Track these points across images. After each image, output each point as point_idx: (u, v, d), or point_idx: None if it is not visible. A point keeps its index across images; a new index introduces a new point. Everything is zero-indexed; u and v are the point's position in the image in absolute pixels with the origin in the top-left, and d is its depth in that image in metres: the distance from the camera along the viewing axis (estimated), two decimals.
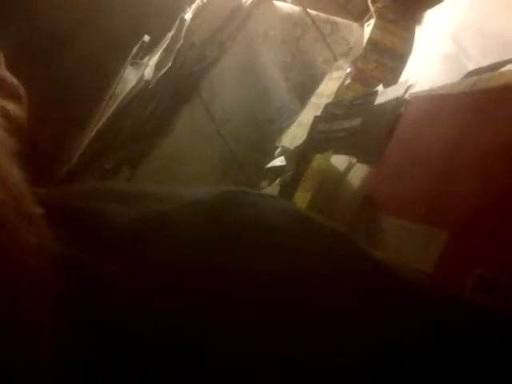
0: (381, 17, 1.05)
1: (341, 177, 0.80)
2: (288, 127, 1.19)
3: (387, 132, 0.75)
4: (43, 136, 1.67)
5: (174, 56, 1.26)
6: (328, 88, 1.11)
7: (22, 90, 0.41)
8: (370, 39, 1.05)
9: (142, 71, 1.37)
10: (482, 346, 0.34)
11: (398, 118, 0.75)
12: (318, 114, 1.02)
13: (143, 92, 1.31)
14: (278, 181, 1.07)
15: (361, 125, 0.84)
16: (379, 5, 1.07)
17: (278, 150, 1.16)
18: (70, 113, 1.66)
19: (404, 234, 0.62)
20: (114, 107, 1.37)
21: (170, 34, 1.38)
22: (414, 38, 1.01)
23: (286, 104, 1.30)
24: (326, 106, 1.01)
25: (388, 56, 1.03)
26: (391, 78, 0.99)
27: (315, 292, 0.31)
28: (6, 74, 0.41)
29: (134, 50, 1.53)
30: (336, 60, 1.26)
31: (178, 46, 1.27)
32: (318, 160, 0.89)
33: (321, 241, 0.35)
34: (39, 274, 0.24)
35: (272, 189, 1.07)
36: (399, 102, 0.77)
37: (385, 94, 0.83)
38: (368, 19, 1.13)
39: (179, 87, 1.26)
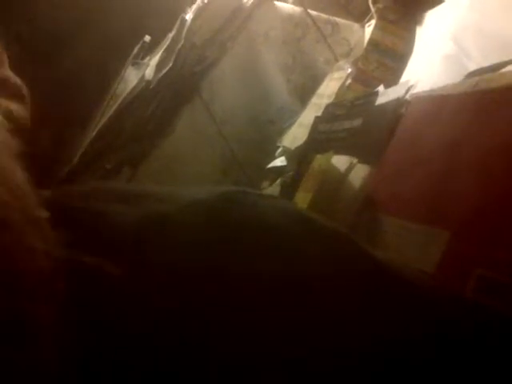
0: (382, 17, 1.05)
1: (341, 177, 0.80)
2: (289, 127, 1.19)
3: (388, 132, 0.75)
4: (44, 136, 1.67)
5: (175, 56, 1.26)
6: (329, 88, 1.11)
7: (25, 90, 0.41)
8: (370, 40, 1.05)
9: (142, 71, 1.37)
10: (482, 346, 0.34)
11: (398, 119, 0.75)
12: (319, 114, 1.02)
13: (144, 92, 1.31)
14: (278, 181, 1.07)
15: (361, 125, 0.84)
16: (380, 5, 1.07)
17: (279, 151, 1.16)
18: (71, 113, 1.66)
19: (405, 234, 0.62)
20: (115, 107, 1.37)
21: (170, 35, 1.38)
22: (414, 38, 1.01)
23: (287, 104, 1.30)
24: (327, 107, 1.01)
25: (389, 56, 1.03)
26: (392, 78, 0.99)
27: (316, 292, 0.31)
28: (10, 73, 0.41)
29: (135, 50, 1.53)
30: (337, 60, 1.26)
31: (179, 46, 1.27)
32: (318, 160, 0.89)
33: (322, 241, 0.35)
34: (42, 278, 0.24)
35: (273, 189, 1.07)
36: (400, 102, 0.77)
37: (386, 95, 0.83)
38: (369, 20, 1.13)
39: (180, 87, 1.26)
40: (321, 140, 0.96)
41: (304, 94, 1.26)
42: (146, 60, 1.47)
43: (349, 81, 1.05)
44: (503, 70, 0.66)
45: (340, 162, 0.83)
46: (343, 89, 1.05)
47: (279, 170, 1.10)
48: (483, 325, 0.36)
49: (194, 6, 1.37)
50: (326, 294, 0.31)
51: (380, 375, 0.30)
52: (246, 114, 1.29)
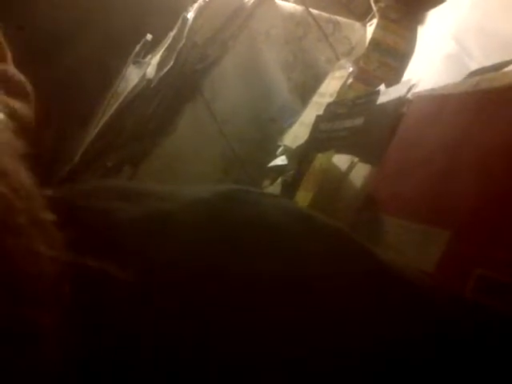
0: (383, 16, 1.05)
1: (342, 176, 0.80)
2: (290, 126, 1.19)
3: (389, 131, 0.75)
4: (44, 135, 1.67)
5: (176, 55, 1.26)
6: (330, 87, 1.11)
7: (29, 88, 0.41)
8: (372, 39, 1.05)
9: (144, 70, 1.37)
10: (482, 346, 0.34)
11: (400, 118, 0.75)
12: (320, 113, 1.02)
13: (145, 91, 1.31)
14: (279, 180, 1.07)
15: (363, 124, 0.84)
16: (382, 4, 1.07)
17: (280, 149, 1.16)
18: (72, 112, 1.66)
19: (405, 234, 0.62)
20: (116, 106, 1.37)
21: (172, 33, 1.38)
22: (416, 37, 1.01)
23: (288, 103, 1.30)
24: (328, 106, 1.01)
25: (390, 56, 1.03)
26: (393, 77, 0.99)
27: (317, 291, 0.31)
28: (14, 71, 0.41)
29: (137, 49, 1.53)
30: (338, 59, 1.25)
31: (181, 45, 1.27)
32: (319, 159, 0.89)
33: (323, 240, 0.35)
34: (47, 282, 0.24)
35: (274, 188, 1.07)
36: (401, 101, 0.77)
37: (387, 94, 0.83)
38: (370, 19, 1.13)
39: (181, 86, 1.26)
40: (322, 139, 0.96)
41: (305, 92, 1.26)
42: (147, 59, 1.47)
43: (350, 80, 1.05)
44: (505, 69, 0.66)
45: (341, 161, 0.83)
46: (344, 88, 1.05)
47: (280, 169, 1.10)
48: (483, 325, 0.35)
49: (196, 5, 1.37)
50: (327, 294, 0.31)
51: (380, 375, 0.30)
52: (247, 113, 1.29)
